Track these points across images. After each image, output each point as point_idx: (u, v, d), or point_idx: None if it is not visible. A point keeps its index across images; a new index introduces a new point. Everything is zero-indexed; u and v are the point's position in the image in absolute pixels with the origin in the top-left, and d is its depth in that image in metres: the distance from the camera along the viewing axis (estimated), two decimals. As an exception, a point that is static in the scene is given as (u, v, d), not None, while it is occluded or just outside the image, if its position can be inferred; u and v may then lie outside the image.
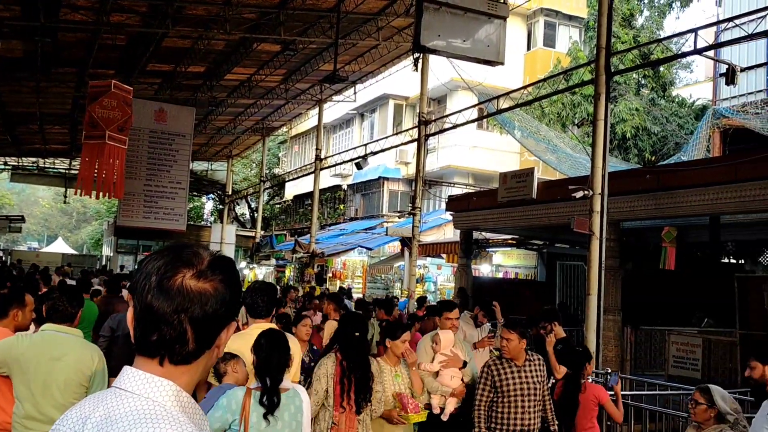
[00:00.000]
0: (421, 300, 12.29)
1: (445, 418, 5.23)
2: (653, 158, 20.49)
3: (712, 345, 10.18)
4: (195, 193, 38.60)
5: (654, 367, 11.45)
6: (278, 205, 40.12)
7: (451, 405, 5.29)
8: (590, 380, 5.78)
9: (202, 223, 40.96)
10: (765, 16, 9.90)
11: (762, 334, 9.33)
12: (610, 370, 7.94)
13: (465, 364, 5.43)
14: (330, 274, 24.93)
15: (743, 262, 15.99)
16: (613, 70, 10.23)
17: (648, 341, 11.81)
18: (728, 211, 11.05)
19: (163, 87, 21.92)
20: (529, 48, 26.40)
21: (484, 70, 13.42)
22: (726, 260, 16.32)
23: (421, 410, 4.82)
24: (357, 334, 4.58)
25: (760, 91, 14.71)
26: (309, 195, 27.36)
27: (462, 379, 5.40)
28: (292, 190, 35.13)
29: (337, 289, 19.63)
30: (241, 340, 4.00)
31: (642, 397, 7.45)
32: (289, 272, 27.82)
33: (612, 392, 5.72)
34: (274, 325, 4.46)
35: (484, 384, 4.90)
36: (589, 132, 11.47)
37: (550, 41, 26.01)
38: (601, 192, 9.47)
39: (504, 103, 14.50)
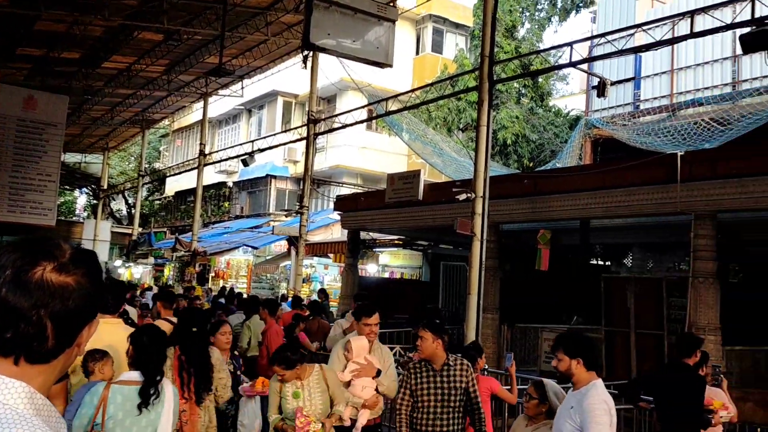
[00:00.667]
0: (296, 300, 12.18)
1: (356, 431, 4.94)
2: (531, 164, 21.49)
3: (581, 341, 10.81)
4: (66, 187, 36.33)
5: (528, 363, 12.01)
6: (158, 202, 38.55)
7: (363, 417, 4.96)
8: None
9: (74, 218, 38.61)
10: (633, 33, 10.66)
11: (625, 330, 10.02)
12: (487, 367, 8.24)
13: (379, 372, 5.06)
14: (213, 274, 24.25)
15: (609, 263, 17.09)
16: (495, 79, 10.61)
17: (523, 338, 12.37)
18: (597, 216, 11.79)
19: (34, 73, 20.43)
20: (417, 52, 26.94)
21: (373, 71, 13.53)
22: (594, 262, 17.38)
23: (311, 430, 4.48)
24: (194, 329, 4.74)
25: (628, 104, 15.78)
26: (192, 191, 26.47)
27: (377, 389, 5.06)
28: (173, 185, 33.88)
29: (219, 288, 19.11)
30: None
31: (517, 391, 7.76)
32: (168, 271, 26.80)
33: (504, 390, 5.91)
34: (121, 321, 4.66)
35: (404, 388, 4.75)
36: (473, 137, 11.86)
37: (437, 47, 26.68)
38: (483, 195, 9.79)
39: (393, 106, 14.70)
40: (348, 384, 5.01)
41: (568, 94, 27.42)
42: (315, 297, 16.64)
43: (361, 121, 16.28)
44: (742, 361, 9.46)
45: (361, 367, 5.02)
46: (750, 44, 8.06)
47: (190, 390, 4.54)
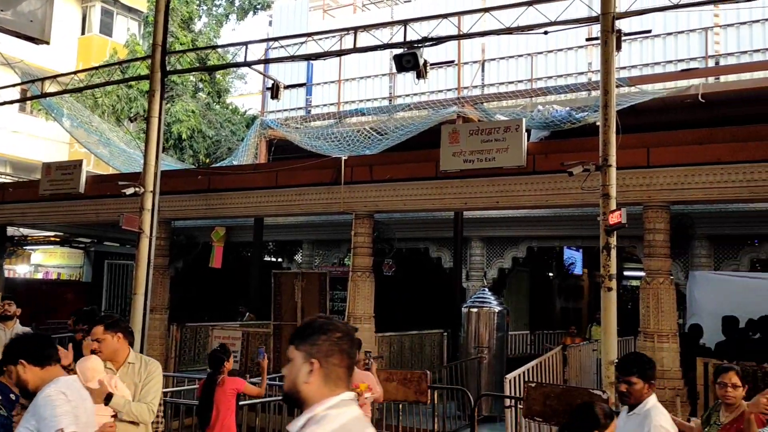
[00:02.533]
0: None
1: None
2: (208, 160, 21.23)
3: (251, 337, 11.03)
4: None
5: (198, 362, 11.82)
6: None
7: None
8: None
9: None
10: (305, 42, 11.22)
11: (293, 323, 10.48)
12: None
13: (110, 396, 4.24)
14: None
15: (282, 260, 17.76)
16: (168, 70, 10.24)
17: (194, 337, 12.15)
18: (270, 214, 12.17)
19: None
20: (84, 33, 24.72)
21: (28, 47, 11.98)
22: (268, 258, 17.89)
23: None
24: None
25: (301, 108, 16.58)
26: None
27: (115, 416, 4.25)
28: None
29: None
30: None
31: (182, 392, 7.59)
32: None
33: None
34: None
35: None
36: (144, 128, 11.26)
37: (107, 29, 24.83)
38: (153, 190, 9.36)
39: (51, 87, 13.19)
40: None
41: (246, 93, 27.74)
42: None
43: (11, 102, 14.32)
44: (390, 346, 10.63)
45: (93, 391, 4.16)
46: (402, 64, 9.08)
47: None
